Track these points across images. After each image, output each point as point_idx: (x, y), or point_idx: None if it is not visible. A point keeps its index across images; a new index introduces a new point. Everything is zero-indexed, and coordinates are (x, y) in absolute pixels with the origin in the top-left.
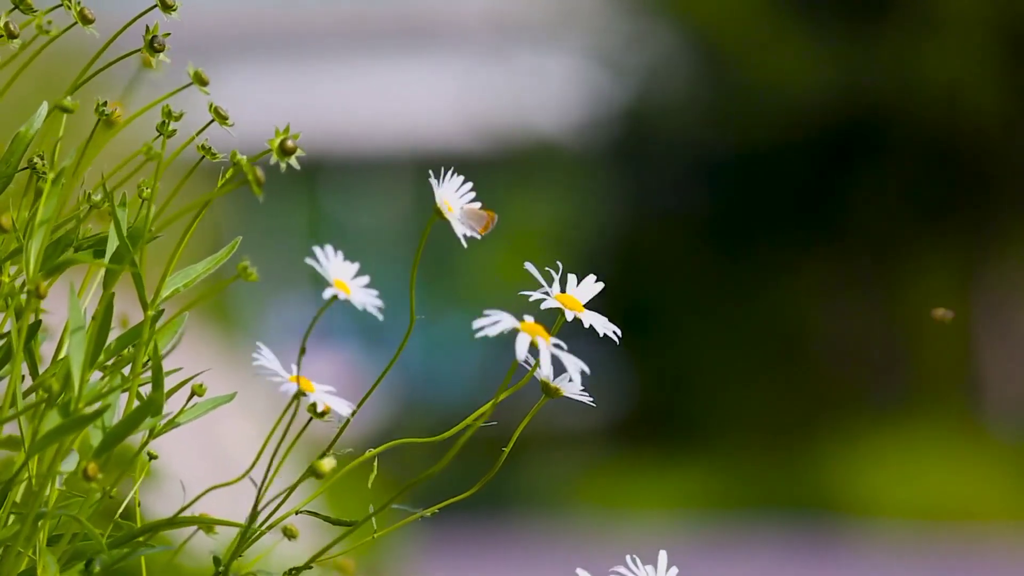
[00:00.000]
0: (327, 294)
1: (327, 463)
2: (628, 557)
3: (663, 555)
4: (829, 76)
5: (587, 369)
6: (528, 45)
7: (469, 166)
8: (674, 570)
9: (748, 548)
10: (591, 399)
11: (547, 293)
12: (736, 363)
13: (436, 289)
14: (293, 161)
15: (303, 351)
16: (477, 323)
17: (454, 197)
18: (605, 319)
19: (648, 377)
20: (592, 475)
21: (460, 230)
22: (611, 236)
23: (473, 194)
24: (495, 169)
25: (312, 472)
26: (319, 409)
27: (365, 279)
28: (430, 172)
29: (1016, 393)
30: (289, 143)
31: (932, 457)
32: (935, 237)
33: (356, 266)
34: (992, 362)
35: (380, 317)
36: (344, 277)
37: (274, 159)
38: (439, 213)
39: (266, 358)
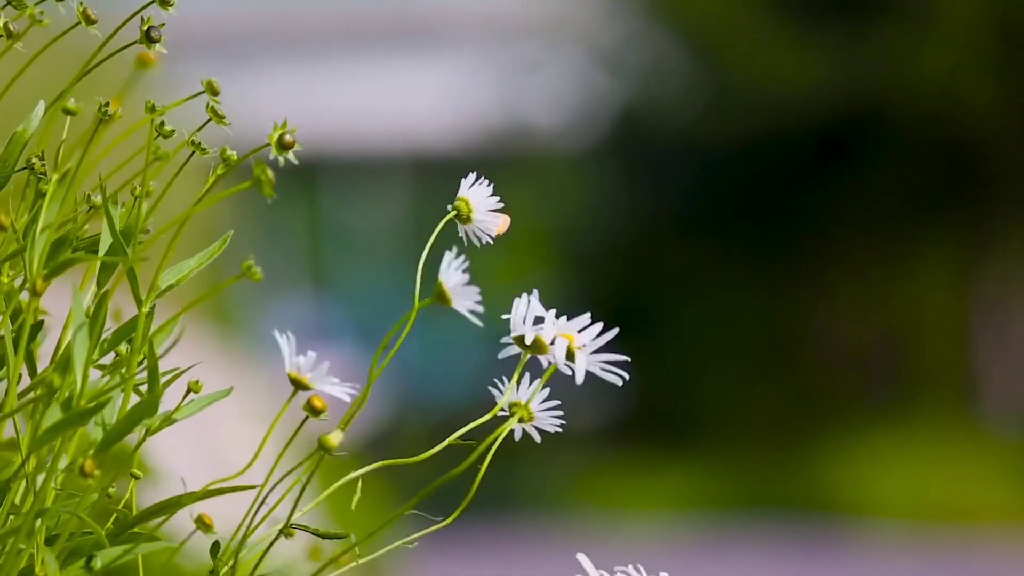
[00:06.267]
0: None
1: (335, 437)
2: (631, 567)
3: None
4: (825, 73)
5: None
6: (525, 45)
7: (467, 166)
8: None
9: (746, 547)
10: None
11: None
12: (734, 362)
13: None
14: (291, 155)
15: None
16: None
17: (479, 200)
18: (605, 358)
19: (647, 377)
20: (592, 475)
21: (482, 232)
22: (609, 235)
23: (498, 200)
24: (493, 169)
25: (321, 447)
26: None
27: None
28: (464, 177)
29: (1013, 391)
30: (287, 137)
31: (929, 456)
32: (932, 235)
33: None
34: (989, 360)
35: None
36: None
37: (273, 154)
38: (461, 215)
39: (282, 343)
